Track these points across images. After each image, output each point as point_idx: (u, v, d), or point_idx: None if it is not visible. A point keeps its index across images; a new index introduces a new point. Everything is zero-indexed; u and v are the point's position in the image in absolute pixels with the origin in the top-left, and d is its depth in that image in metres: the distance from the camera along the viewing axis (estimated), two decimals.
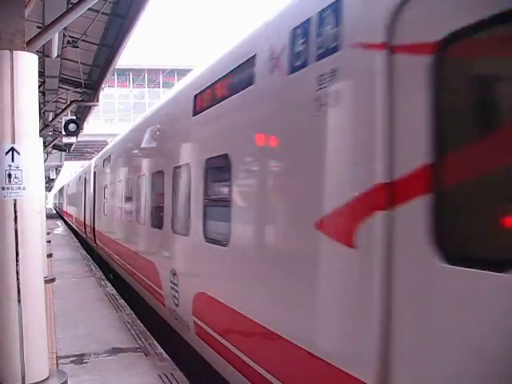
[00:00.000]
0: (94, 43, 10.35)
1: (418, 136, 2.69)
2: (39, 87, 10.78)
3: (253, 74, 4.64)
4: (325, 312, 3.54)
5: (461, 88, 2.74)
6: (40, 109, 9.48)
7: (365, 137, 3.12)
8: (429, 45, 2.69)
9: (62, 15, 5.77)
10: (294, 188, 4.02)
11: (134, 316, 8.91)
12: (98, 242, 16.62)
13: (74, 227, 28.76)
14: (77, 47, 9.91)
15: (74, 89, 13.16)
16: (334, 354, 3.38)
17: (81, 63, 11.13)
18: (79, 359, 6.62)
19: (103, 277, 13.18)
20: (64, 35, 9.45)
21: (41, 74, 10.69)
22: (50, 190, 72.80)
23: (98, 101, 13.40)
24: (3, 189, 5.10)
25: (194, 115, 6.37)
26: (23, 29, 5.25)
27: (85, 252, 19.48)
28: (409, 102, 2.85)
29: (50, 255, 15.68)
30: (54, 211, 67.95)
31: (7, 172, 5.10)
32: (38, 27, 7.75)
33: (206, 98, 6.02)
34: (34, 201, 5.34)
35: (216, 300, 5.38)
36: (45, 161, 20.05)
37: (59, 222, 40.88)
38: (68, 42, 9.77)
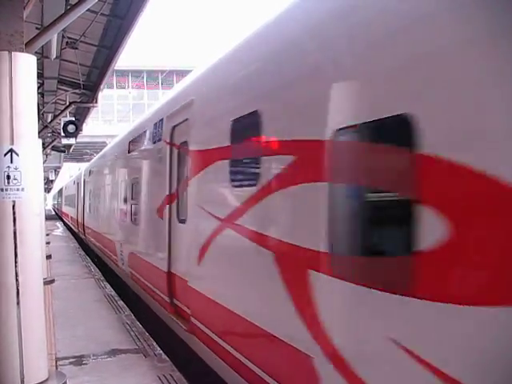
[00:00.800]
0: (92, 44, 10.35)
1: (170, 182, 7.47)
2: (38, 88, 10.77)
3: (146, 139, 9.51)
4: (158, 248, 8.16)
5: (180, 158, 7.23)
6: (39, 110, 9.44)
7: (164, 175, 7.71)
8: (177, 144, 7.31)
9: (60, 16, 5.77)
10: (150, 193, 9.16)
11: (133, 317, 8.90)
12: (86, 234, 21.06)
13: (70, 225, 32.65)
14: (76, 48, 9.90)
15: (72, 90, 13.14)
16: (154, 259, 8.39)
17: (80, 64, 11.12)
18: (78, 360, 6.61)
19: (102, 278, 13.17)
20: (63, 36, 9.45)
21: (40, 75, 10.68)
22: (49, 192, 72.67)
23: (96, 102, 13.39)
24: (2, 190, 5.10)
25: (129, 153, 11.33)
26: (22, 30, 5.25)
27: (83, 253, 19.50)
28: (167, 163, 7.62)
29: (49, 256, 15.68)
30: (53, 212, 67.69)
31: (6, 173, 5.10)
32: (36, 28, 7.74)
33: (130, 145, 11.19)
34: (32, 202, 5.34)
35: (136, 255, 9.94)
36: (44, 162, 20.04)
37: (58, 224, 40.82)
38: (67, 43, 9.76)
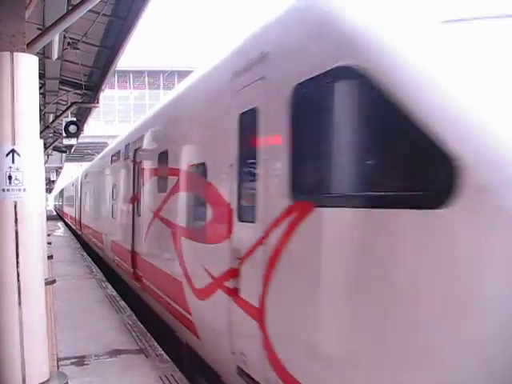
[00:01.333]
0: (94, 45, 10.35)
1: (134, 187, 10.12)
2: (39, 89, 10.75)
3: (121, 155, 11.92)
4: (126, 235, 10.53)
5: (139, 172, 9.83)
6: (40, 110, 9.42)
7: (130, 182, 10.36)
8: (137, 162, 10.16)
9: (62, 17, 5.77)
10: (123, 195, 11.51)
11: (135, 317, 8.90)
12: (82, 230, 23.78)
13: (69, 223, 35.47)
14: (77, 49, 9.90)
15: (74, 90, 13.15)
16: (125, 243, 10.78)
17: (81, 65, 11.13)
18: (80, 361, 6.61)
19: (104, 278, 13.18)
20: (64, 37, 9.44)
21: (41, 75, 10.69)
22: (50, 192, 72.62)
23: (98, 102, 13.41)
24: (4, 190, 5.10)
25: (111, 164, 14.01)
26: (23, 30, 5.25)
27: (85, 253, 19.50)
28: (131, 174, 10.49)
29: (50, 257, 15.69)
30: (55, 213, 67.62)
31: (8, 174, 5.11)
32: (38, 29, 7.74)
33: (112, 158, 13.76)
34: (34, 202, 5.34)
35: (115, 242, 12.44)
36: (45, 162, 20.04)
37: (60, 224, 40.82)
38: (68, 43, 9.76)
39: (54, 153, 25.28)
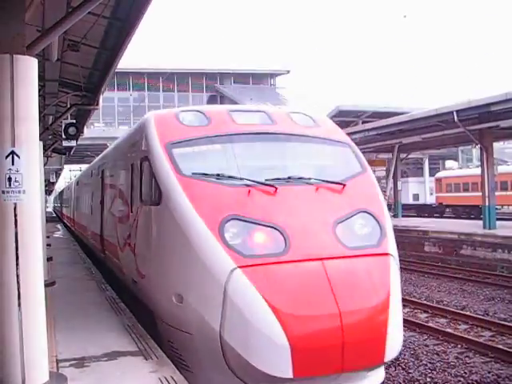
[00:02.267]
0: (94, 46, 10.36)
1: (101, 193, 13.98)
2: (39, 91, 10.75)
3: (95, 171, 16.58)
4: (97, 225, 14.31)
5: (104, 185, 13.73)
6: (40, 112, 9.43)
7: (99, 190, 14.44)
8: (103, 178, 14.47)
9: (62, 19, 5.77)
10: (97, 198, 14.71)
11: (135, 319, 8.89)
12: (75, 226, 27.63)
13: (65, 222, 40.22)
14: (77, 51, 9.90)
15: (73, 92, 13.16)
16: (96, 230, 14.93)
17: (81, 67, 11.14)
18: (79, 363, 6.60)
19: (103, 280, 13.17)
20: (64, 39, 9.46)
21: (41, 77, 10.69)
22: (50, 194, 72.63)
23: (98, 104, 13.42)
24: (3, 192, 5.10)
25: (91, 176, 17.72)
26: (23, 32, 5.26)
27: (84, 255, 19.52)
28: (100, 185, 14.48)
29: (50, 258, 15.68)
30: (54, 214, 67.58)
31: (7, 176, 5.11)
32: (37, 31, 7.75)
33: (92, 172, 17.90)
34: (34, 204, 5.34)
35: (92, 231, 15.97)
36: (45, 164, 20.04)
37: (59, 226, 40.81)
38: (68, 45, 9.77)
39: (54, 154, 25.30)
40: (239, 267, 6.03)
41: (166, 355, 6.87)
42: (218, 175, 6.94)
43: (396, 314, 6.32)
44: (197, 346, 6.47)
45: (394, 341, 6.26)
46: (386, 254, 6.77)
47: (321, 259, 6.21)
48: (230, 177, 6.94)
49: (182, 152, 7.38)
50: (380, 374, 6.80)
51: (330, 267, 6.18)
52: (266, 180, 6.95)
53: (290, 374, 5.68)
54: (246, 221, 6.46)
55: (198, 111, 8.05)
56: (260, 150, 7.77)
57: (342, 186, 7.18)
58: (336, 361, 5.83)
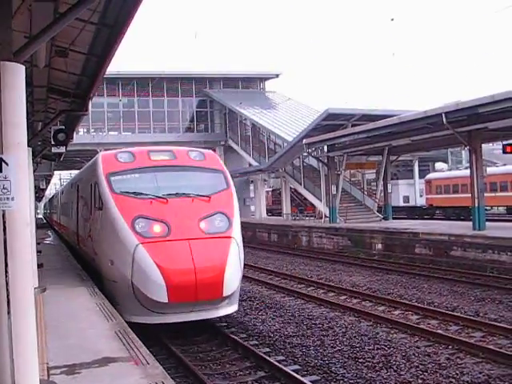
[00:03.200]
0: (82, 53, 10.32)
1: (77, 202, 18.68)
2: (27, 97, 10.71)
3: (72, 185, 22.48)
4: (74, 225, 19.19)
5: (79, 196, 18.99)
6: (28, 119, 9.38)
7: (75, 200, 19.65)
8: (78, 191, 19.28)
9: (49, 25, 5.75)
10: (73, 206, 19.87)
11: (126, 325, 8.89)
12: (60, 228, 32.72)
13: (54, 226, 43.63)
14: (65, 57, 9.86)
15: (62, 98, 13.11)
16: (73, 228, 20.18)
17: (69, 73, 11.10)
18: (70, 370, 6.59)
19: (94, 286, 13.13)
20: (52, 45, 9.43)
21: (29, 83, 10.66)
22: (40, 200, 72.28)
23: (87, 110, 13.37)
24: None
25: (71, 188, 22.33)
26: (10, 39, 5.24)
27: (75, 262, 19.46)
28: (75, 196, 19.60)
29: (40, 265, 15.62)
30: (45, 221, 67.24)
31: None
32: (25, 37, 7.72)
33: (71, 185, 23.04)
34: (23, 211, 5.32)
35: (70, 229, 21.92)
36: (34, 170, 19.99)
37: (50, 232, 40.64)
38: (56, 51, 9.74)
39: (44, 161, 25.22)
40: (141, 243, 10.81)
41: (105, 295, 11.80)
42: (134, 192, 11.88)
43: (231, 271, 10.91)
44: (120, 288, 11.29)
45: (229, 285, 10.84)
46: (229, 237, 11.45)
47: (187, 239, 11.02)
48: (140, 193, 11.86)
49: (116, 178, 12.26)
50: (232, 308, 11.73)
51: (192, 243, 10.95)
52: (163, 195, 11.84)
53: (166, 300, 10.35)
54: (147, 218, 11.30)
55: (129, 152, 13.07)
56: (162, 177, 12.54)
57: (208, 198, 12.08)
58: (192, 293, 10.48)
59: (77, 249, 19.30)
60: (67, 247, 25.20)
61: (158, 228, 11.19)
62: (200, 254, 10.77)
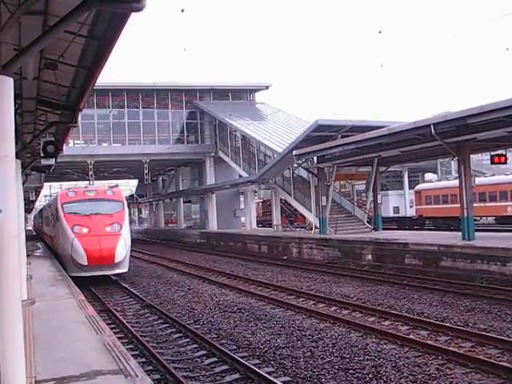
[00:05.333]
0: (71, 65, 10.34)
1: (57, 217, 27.57)
2: (16, 109, 10.72)
3: (51, 205, 31.73)
4: (54, 234, 28.71)
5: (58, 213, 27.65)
6: (18, 131, 9.42)
7: (57, 215, 27.17)
8: (60, 209, 27.98)
9: (38, 37, 5.78)
10: (54, 220, 28.79)
11: (115, 337, 8.86)
12: (44, 236, 41.00)
13: (40, 234, 51.05)
14: (54, 69, 9.87)
15: (52, 110, 13.10)
16: (52, 234, 31.19)
17: (59, 85, 11.11)
18: (58, 383, 6.55)
19: (84, 298, 13.08)
20: (41, 57, 9.44)
21: (18, 95, 10.65)
22: (30, 212, 71.90)
23: (76, 122, 13.35)
24: None
25: (49, 207, 33.79)
26: None
27: (65, 273, 19.41)
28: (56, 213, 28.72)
29: (29, 277, 15.55)
30: (35, 233, 66.83)
31: None
32: (14, 49, 7.74)
33: (50, 206, 33.65)
34: (10, 223, 5.32)
35: (51, 236, 30.66)
36: (24, 182, 19.93)
37: (39, 244, 40.46)
38: (45, 64, 9.75)
39: (33, 172, 25.16)
40: (76, 237, 22.77)
41: (59, 262, 24.14)
42: (75, 212, 24.22)
43: (119, 250, 22.93)
44: (66, 259, 23.42)
45: (118, 257, 22.80)
46: (119, 234, 23.40)
47: (98, 235, 22.95)
48: (77, 213, 24.18)
49: (67, 205, 24.61)
50: (122, 270, 23.86)
51: (101, 237, 22.91)
52: (89, 213, 24.18)
53: (86, 263, 22.32)
54: (79, 225, 23.25)
55: (74, 191, 26.38)
56: (89, 204, 24.90)
57: (112, 215, 24.14)
58: (99, 260, 22.51)
59: (50, 245, 32.22)
60: (51, 253, 31.48)
61: (84, 230, 23.08)
62: (104, 242, 22.68)
